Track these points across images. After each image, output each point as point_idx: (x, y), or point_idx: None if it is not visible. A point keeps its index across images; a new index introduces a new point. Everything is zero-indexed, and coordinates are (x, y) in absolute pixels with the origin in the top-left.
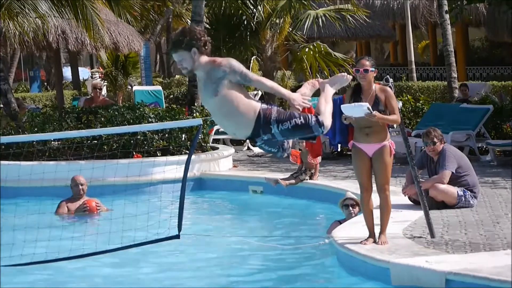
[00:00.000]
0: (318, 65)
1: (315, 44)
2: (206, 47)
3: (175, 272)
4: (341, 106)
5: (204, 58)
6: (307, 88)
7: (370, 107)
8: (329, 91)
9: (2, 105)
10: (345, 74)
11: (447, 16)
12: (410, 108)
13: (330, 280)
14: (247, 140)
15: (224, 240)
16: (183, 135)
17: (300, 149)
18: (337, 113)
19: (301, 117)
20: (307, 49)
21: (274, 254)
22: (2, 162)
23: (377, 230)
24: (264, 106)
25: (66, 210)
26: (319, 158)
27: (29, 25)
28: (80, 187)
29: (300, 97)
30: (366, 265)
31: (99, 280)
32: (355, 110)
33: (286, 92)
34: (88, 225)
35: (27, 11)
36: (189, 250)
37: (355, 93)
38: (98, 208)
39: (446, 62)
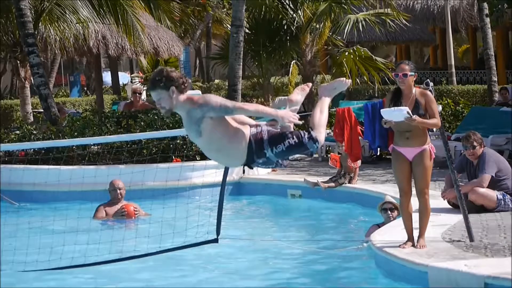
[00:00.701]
0: (357, 69)
1: (355, 48)
2: (185, 87)
3: (213, 276)
4: (381, 110)
5: (183, 97)
6: (297, 94)
7: (410, 111)
8: (325, 101)
9: (42, 110)
10: (344, 79)
11: (487, 20)
12: (450, 112)
13: (368, 283)
14: None
15: (262, 244)
16: None
17: (339, 153)
18: (377, 117)
19: (294, 136)
20: (347, 53)
21: (312, 258)
22: (42, 166)
23: (416, 233)
24: (254, 131)
25: (104, 214)
26: (358, 162)
27: (70, 30)
28: (118, 191)
29: (289, 113)
30: (405, 268)
31: (137, 284)
32: (394, 115)
33: (272, 111)
34: (126, 229)
35: (67, 16)
36: (228, 254)
37: (395, 97)
38: (136, 212)
39: (486, 66)
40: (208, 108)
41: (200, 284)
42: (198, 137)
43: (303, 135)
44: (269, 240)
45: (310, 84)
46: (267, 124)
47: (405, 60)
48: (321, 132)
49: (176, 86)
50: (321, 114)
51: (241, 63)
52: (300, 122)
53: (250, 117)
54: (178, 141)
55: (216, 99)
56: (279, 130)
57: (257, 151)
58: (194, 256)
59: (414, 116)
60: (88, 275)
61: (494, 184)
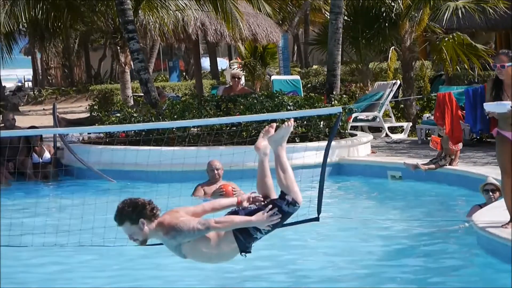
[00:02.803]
0: (457, 56)
1: (454, 35)
2: (153, 213)
3: (313, 254)
4: (484, 104)
5: (153, 224)
6: (262, 139)
7: None
8: (282, 157)
9: (142, 94)
10: (286, 123)
11: None
12: None
13: (470, 261)
14: (386, 127)
15: (362, 223)
16: (322, 122)
17: (440, 135)
18: (478, 101)
19: (275, 213)
20: (447, 39)
21: (412, 237)
22: (144, 147)
23: None
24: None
25: (202, 194)
26: (460, 145)
27: (169, 17)
28: (216, 171)
29: (248, 196)
30: (507, 248)
31: (238, 263)
32: (497, 108)
33: (232, 201)
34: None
35: (167, 4)
36: (328, 233)
37: (496, 86)
38: (234, 192)
39: None
40: (182, 236)
41: (300, 262)
42: (184, 258)
43: (281, 205)
44: (369, 219)
45: (274, 125)
46: (243, 209)
47: (504, 50)
48: (296, 191)
49: (145, 217)
50: (285, 174)
51: (340, 49)
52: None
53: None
54: (277, 124)
55: (189, 224)
56: (256, 206)
57: (247, 239)
58: (294, 234)
59: None
60: None
61: None
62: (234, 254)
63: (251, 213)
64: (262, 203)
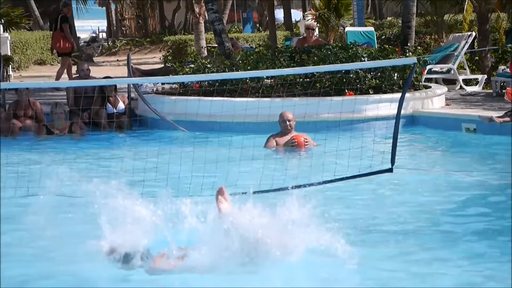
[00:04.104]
0: None
1: None
2: None
3: (386, 205)
4: None
5: None
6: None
7: None
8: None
9: (216, 45)
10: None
11: None
12: None
13: None
14: (460, 79)
15: (436, 175)
16: (396, 74)
17: None
18: None
19: None
20: None
21: (486, 189)
22: (218, 98)
23: None
24: None
25: (274, 145)
26: None
27: None
28: (288, 123)
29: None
30: None
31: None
32: None
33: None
34: (297, 158)
35: None
36: (401, 184)
37: None
38: (306, 143)
39: None
40: None
41: (372, 213)
42: None
43: None
44: (443, 171)
45: (223, 189)
46: None
47: None
48: None
49: None
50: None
51: (415, 1)
52: None
53: None
54: (351, 75)
55: None
56: None
57: None
58: (367, 185)
59: None
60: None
61: None
62: None
63: None
64: None
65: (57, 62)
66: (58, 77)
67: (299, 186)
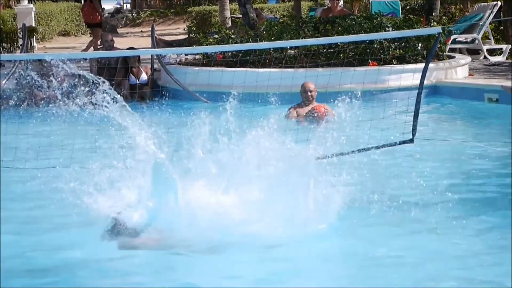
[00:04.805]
0: None
1: None
2: None
3: (407, 175)
4: None
5: None
6: None
7: None
8: None
9: (240, 15)
10: None
11: None
12: None
13: None
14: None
15: (457, 146)
16: (420, 44)
17: None
18: None
19: None
20: None
21: (505, 160)
22: (240, 69)
23: None
24: None
25: (295, 115)
26: None
27: None
28: (309, 93)
29: None
30: None
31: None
32: None
33: None
34: (318, 128)
35: None
36: (422, 155)
37: None
38: (326, 113)
39: None
40: None
41: (392, 183)
42: None
43: None
44: (464, 141)
45: None
46: None
47: None
48: None
49: None
50: None
51: None
52: None
53: None
54: (375, 45)
55: None
56: None
57: None
58: (388, 156)
59: None
60: None
61: None
62: None
63: None
64: None
65: (81, 34)
66: (90, 48)
67: (319, 158)
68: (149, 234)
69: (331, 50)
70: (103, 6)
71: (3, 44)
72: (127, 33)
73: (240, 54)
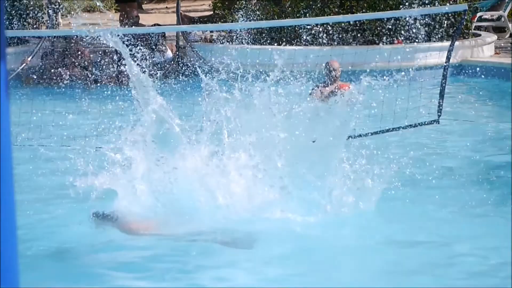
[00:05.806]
0: None
1: None
2: None
3: (429, 155)
4: None
5: None
6: None
7: None
8: None
9: None
10: None
11: None
12: None
13: None
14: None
15: (483, 126)
16: (446, 22)
17: None
18: None
19: None
20: None
21: None
22: (264, 46)
23: None
24: None
25: (319, 94)
26: None
27: None
28: (333, 72)
29: None
30: None
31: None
32: None
33: None
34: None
35: None
36: (447, 134)
37: None
38: (350, 92)
39: None
40: None
41: (416, 162)
42: None
43: None
44: (491, 122)
45: None
46: None
47: None
48: None
49: None
50: None
51: None
52: None
53: None
54: (401, 23)
55: None
56: None
57: None
58: (414, 136)
59: None
60: None
61: None
62: None
63: None
64: None
65: (107, 10)
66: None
67: (350, 137)
68: (138, 222)
69: (357, 27)
70: None
71: (28, 20)
72: (152, 9)
73: (266, 31)
